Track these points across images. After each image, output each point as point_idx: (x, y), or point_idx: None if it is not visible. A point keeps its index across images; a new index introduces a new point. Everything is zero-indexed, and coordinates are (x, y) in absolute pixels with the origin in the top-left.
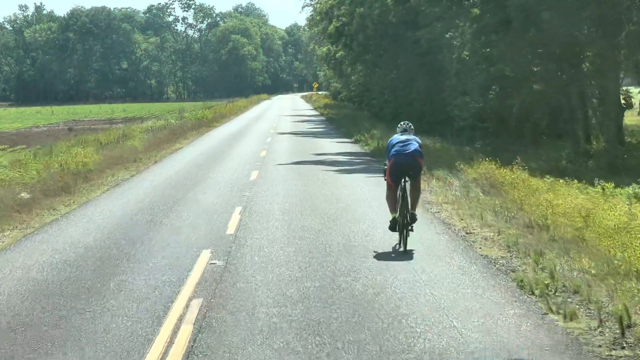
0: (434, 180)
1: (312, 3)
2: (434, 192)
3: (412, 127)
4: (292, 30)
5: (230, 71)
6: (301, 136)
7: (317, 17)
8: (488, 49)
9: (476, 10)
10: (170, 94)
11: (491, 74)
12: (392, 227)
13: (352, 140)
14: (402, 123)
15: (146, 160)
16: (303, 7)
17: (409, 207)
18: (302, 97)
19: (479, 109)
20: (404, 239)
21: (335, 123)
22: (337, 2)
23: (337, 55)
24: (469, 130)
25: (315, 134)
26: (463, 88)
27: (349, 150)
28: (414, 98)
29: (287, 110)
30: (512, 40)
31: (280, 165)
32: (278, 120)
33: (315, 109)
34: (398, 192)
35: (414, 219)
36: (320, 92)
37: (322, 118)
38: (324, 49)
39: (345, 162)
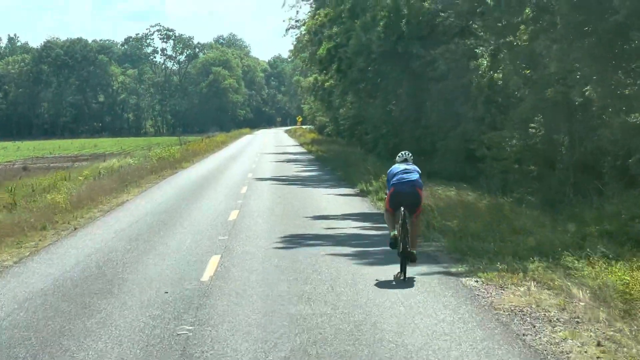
0: (532, 284)
1: (299, 25)
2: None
3: (412, 156)
4: (275, 62)
5: (210, 104)
6: (287, 184)
7: (305, 38)
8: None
9: (528, 11)
10: (149, 128)
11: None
12: (393, 244)
13: (356, 190)
14: (402, 153)
15: (61, 227)
16: (287, 30)
17: (409, 240)
18: (286, 131)
19: (522, 147)
20: (403, 267)
21: (328, 163)
22: (330, 19)
23: (326, 84)
24: (500, 174)
25: (305, 181)
26: (492, 120)
27: (358, 211)
28: (422, 133)
29: (270, 146)
30: (593, 51)
31: (257, 248)
32: (259, 159)
33: (301, 145)
34: (398, 221)
35: (414, 258)
36: (304, 126)
37: (311, 156)
38: (311, 79)
39: (363, 237)
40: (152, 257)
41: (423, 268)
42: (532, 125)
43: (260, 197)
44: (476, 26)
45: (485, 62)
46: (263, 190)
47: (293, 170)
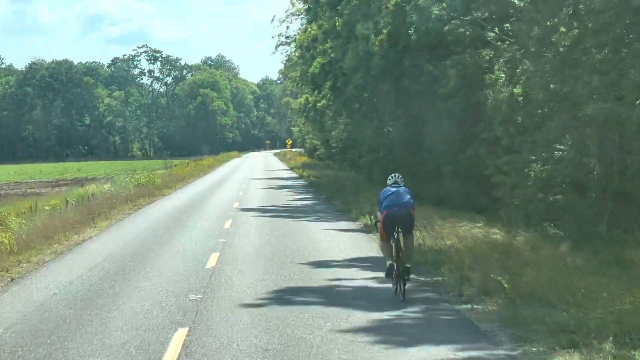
0: None
1: (289, 41)
2: None
3: (403, 179)
4: (264, 84)
5: (198, 127)
6: (278, 216)
7: (296, 54)
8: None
9: (567, 12)
10: (136, 152)
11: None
12: (388, 274)
13: (359, 224)
14: (392, 175)
15: None
16: (277, 47)
17: (404, 259)
18: (276, 154)
19: (550, 173)
20: (400, 287)
21: (322, 191)
22: (324, 32)
23: (319, 105)
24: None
25: (298, 212)
26: (510, 142)
27: (366, 254)
28: (425, 156)
29: (259, 171)
30: None
31: (239, 315)
32: (247, 186)
33: (291, 169)
34: (392, 243)
35: (409, 272)
36: (294, 149)
37: (303, 182)
38: (301, 99)
39: (380, 296)
40: (87, 340)
41: (474, 353)
42: (560, 147)
43: (246, 235)
44: (492, 34)
45: (504, 75)
46: (250, 224)
47: (284, 198)
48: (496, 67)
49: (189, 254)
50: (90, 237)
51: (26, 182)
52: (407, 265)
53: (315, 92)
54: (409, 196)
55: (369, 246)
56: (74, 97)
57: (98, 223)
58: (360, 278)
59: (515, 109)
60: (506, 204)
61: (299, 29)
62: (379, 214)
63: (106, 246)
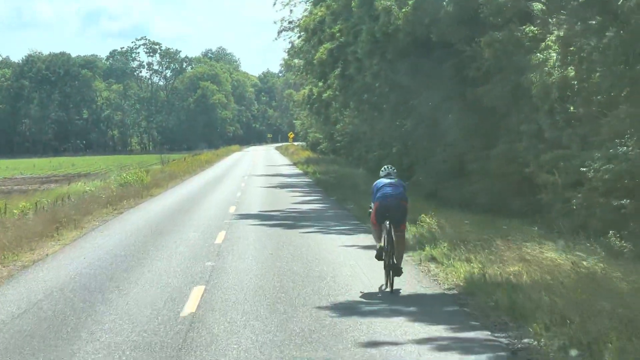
0: None
1: (292, 26)
2: None
3: (395, 170)
4: (266, 77)
5: (198, 120)
6: (282, 225)
7: (301, 40)
8: None
9: None
10: (135, 146)
11: None
12: (379, 255)
13: None
14: (385, 167)
15: None
16: (280, 33)
17: (394, 255)
18: (277, 148)
19: (618, 172)
20: (390, 279)
21: (332, 191)
22: (331, 12)
23: (324, 96)
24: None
25: (306, 220)
26: (557, 135)
27: (408, 289)
28: (449, 153)
29: (260, 166)
30: None
31: None
32: (246, 184)
33: (294, 164)
34: (383, 233)
35: (399, 272)
36: (296, 143)
37: (308, 180)
38: (305, 90)
39: None
40: None
41: None
42: (629, 143)
43: (241, 256)
44: (540, 6)
45: (555, 54)
46: (248, 239)
47: (289, 201)
48: (542, 45)
49: (164, 288)
50: (47, 255)
51: (16, 178)
52: (398, 265)
53: (321, 82)
54: (401, 188)
55: (409, 275)
56: (72, 90)
57: (63, 234)
58: (412, 341)
59: (562, 98)
60: (556, 210)
61: (303, 14)
62: (371, 204)
63: (56, 273)
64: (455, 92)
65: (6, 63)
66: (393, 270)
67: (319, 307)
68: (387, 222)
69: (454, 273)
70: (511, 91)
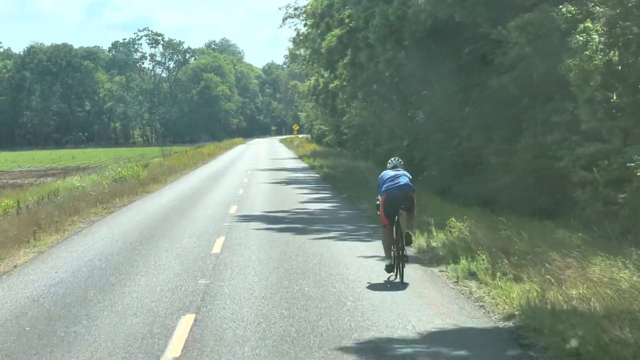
0: None
1: (298, 12)
2: None
3: (402, 162)
4: (270, 69)
5: (202, 113)
6: (289, 230)
7: (308, 25)
8: None
9: None
10: (137, 138)
11: None
12: (388, 270)
13: (412, 250)
14: (392, 159)
15: None
16: (285, 20)
17: (403, 236)
18: (281, 141)
19: None
20: (400, 270)
21: (342, 187)
22: None
23: (331, 86)
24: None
25: (316, 222)
26: (596, 127)
27: (449, 321)
28: (467, 146)
29: (264, 160)
30: None
31: None
32: (249, 180)
33: (300, 157)
34: (393, 231)
35: (409, 240)
36: (300, 135)
37: (315, 174)
38: (311, 80)
39: None
40: None
41: None
42: None
43: (243, 269)
44: None
45: (597, 36)
46: (250, 247)
47: (296, 199)
48: (580, 27)
49: (144, 323)
50: (16, 266)
51: (13, 172)
52: (408, 231)
53: (328, 72)
54: (407, 179)
55: (446, 298)
56: (74, 82)
57: (41, 239)
58: None
59: (605, 85)
60: (595, 210)
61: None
62: (379, 197)
63: (19, 294)
64: (474, 81)
65: (7, 54)
66: (402, 259)
67: (341, 349)
68: (396, 218)
69: (503, 297)
70: (542, 78)
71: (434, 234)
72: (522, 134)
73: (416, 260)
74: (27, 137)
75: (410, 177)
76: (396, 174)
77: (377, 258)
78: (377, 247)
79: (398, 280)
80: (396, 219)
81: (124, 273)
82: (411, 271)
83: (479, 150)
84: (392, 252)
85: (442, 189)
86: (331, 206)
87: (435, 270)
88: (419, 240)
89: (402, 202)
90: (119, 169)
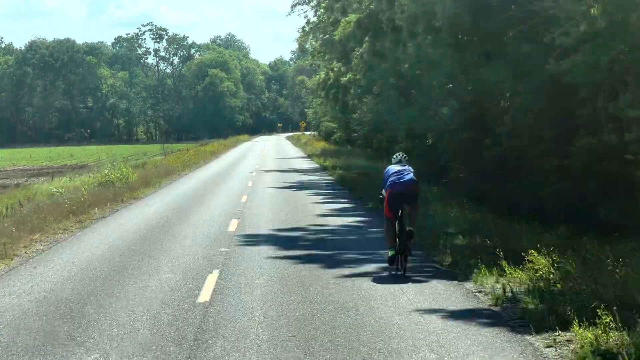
0: None
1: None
2: None
3: (407, 157)
4: (276, 64)
5: (206, 109)
6: (306, 258)
7: (321, 11)
8: None
9: None
10: (141, 135)
11: None
12: (390, 263)
13: (485, 298)
14: (397, 154)
15: None
16: (293, 7)
17: (406, 231)
18: (288, 138)
19: None
20: (402, 264)
21: (362, 194)
22: None
23: (343, 80)
24: None
25: (338, 247)
26: None
27: None
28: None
29: (271, 159)
30: None
31: None
32: (254, 184)
33: (309, 157)
34: (396, 226)
35: (411, 235)
36: (307, 133)
37: (328, 177)
38: (321, 74)
39: None
40: None
41: None
42: None
43: (240, 336)
44: None
45: None
46: (253, 289)
47: (310, 210)
48: None
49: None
50: None
51: (5, 170)
52: (410, 228)
53: (340, 64)
54: (412, 174)
55: None
56: (76, 77)
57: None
58: None
59: None
60: None
61: None
62: (383, 191)
63: None
64: (518, 70)
65: (9, 50)
66: (404, 250)
67: None
68: (400, 212)
69: None
70: (616, 61)
71: (506, 270)
72: (579, 132)
73: (496, 318)
74: (28, 134)
75: (413, 171)
76: (401, 169)
77: (441, 315)
78: (434, 289)
79: (401, 273)
80: (400, 213)
81: (62, 343)
82: (499, 334)
83: (522, 151)
84: (395, 242)
85: (475, 194)
86: (357, 221)
87: (540, 343)
88: (489, 280)
89: (406, 196)
90: (106, 171)
